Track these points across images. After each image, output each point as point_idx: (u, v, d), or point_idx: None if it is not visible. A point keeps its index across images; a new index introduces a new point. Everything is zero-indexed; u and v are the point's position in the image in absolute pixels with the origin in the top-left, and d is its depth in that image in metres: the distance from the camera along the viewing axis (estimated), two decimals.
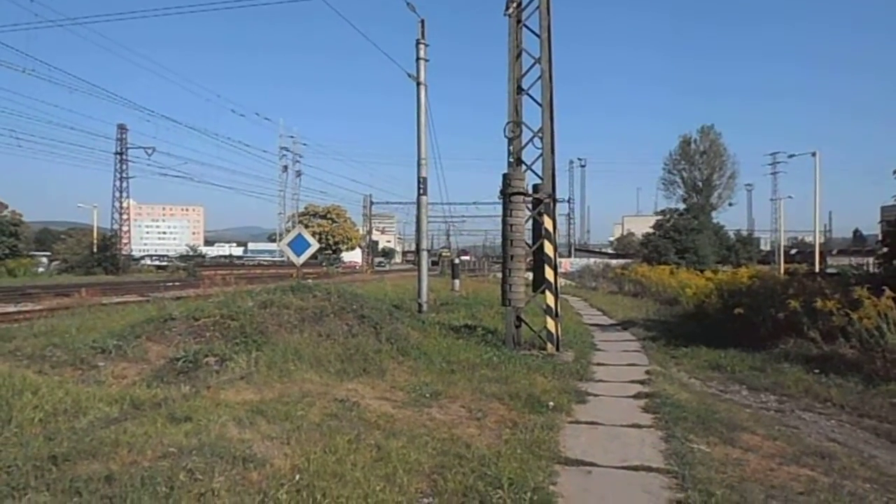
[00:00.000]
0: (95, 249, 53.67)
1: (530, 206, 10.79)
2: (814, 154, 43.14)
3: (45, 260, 56.77)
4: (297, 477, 3.94)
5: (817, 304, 10.02)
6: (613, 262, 53.18)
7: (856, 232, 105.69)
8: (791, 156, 58.06)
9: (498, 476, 4.22)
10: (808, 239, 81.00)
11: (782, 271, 29.11)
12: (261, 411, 5.42)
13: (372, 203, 72.55)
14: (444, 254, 65.30)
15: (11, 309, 18.02)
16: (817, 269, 34.41)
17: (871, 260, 23.39)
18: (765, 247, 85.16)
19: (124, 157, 54.59)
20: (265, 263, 76.18)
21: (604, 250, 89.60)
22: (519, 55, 11.03)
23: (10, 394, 5.19)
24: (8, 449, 4.13)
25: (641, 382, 8.34)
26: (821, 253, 49.50)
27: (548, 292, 10.44)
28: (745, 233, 74.01)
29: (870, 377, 8.47)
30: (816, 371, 9.06)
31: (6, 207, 56.29)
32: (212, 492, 3.58)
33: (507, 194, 10.42)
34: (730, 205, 68.32)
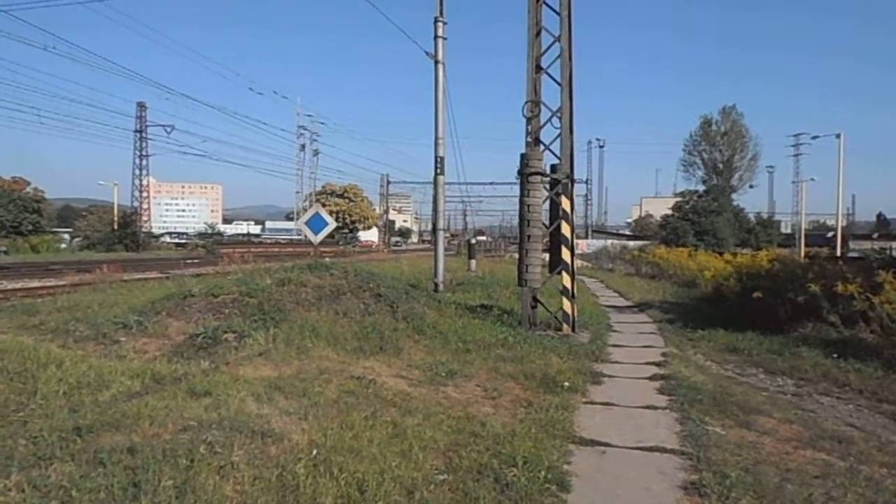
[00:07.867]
0: (116, 226, 54.49)
1: (548, 186, 10.72)
2: (838, 136, 42.46)
3: (66, 236, 57.81)
4: (315, 452, 4.01)
5: (838, 288, 9.88)
6: (631, 243, 52.81)
7: (879, 215, 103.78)
8: (815, 137, 56.29)
9: (512, 454, 4.25)
10: (830, 222, 79.67)
11: (803, 255, 28.62)
12: (279, 387, 5.49)
13: (389, 182, 72.51)
14: (448, 236, 64.23)
15: (35, 284, 18.40)
16: (839, 253, 33.86)
17: (894, 244, 22.93)
18: (785, 230, 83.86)
19: (144, 134, 54.92)
20: (283, 242, 76.67)
21: (621, 232, 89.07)
22: (538, 33, 10.89)
23: (35, 367, 5.32)
24: (34, 420, 4.24)
25: (657, 364, 8.31)
26: (843, 236, 48.69)
27: (564, 273, 10.41)
28: (765, 215, 72.95)
29: (890, 362, 8.37)
30: (835, 355, 8.97)
31: (28, 184, 57.20)
32: (231, 464, 3.65)
33: (525, 174, 10.36)
34: (750, 187, 66.95)
